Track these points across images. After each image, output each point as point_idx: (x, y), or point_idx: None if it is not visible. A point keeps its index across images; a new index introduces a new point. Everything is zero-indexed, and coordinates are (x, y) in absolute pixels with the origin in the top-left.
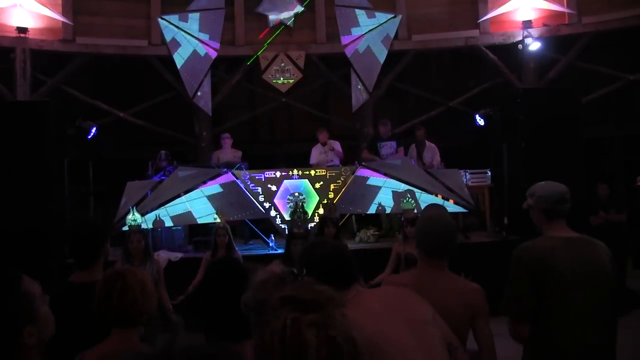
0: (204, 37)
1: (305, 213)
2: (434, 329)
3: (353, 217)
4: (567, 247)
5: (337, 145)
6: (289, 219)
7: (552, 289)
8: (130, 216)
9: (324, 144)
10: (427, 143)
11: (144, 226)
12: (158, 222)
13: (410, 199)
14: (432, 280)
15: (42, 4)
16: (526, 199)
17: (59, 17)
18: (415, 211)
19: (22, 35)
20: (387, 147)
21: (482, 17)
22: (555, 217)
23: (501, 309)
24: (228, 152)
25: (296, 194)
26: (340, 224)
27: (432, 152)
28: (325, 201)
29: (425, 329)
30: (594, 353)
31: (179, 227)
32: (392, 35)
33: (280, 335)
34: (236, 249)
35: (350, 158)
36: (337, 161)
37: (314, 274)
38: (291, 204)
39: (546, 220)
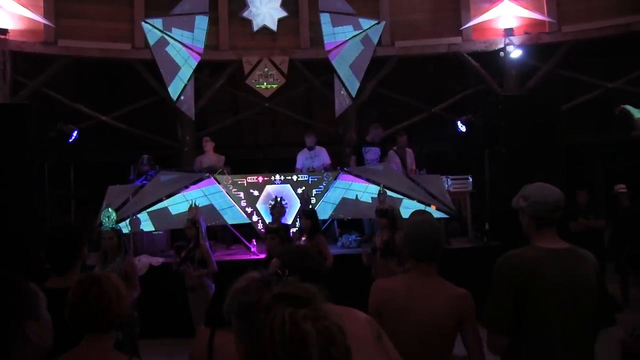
0: (188, 41)
1: (283, 207)
2: (380, 349)
3: (335, 222)
4: (554, 260)
5: (324, 156)
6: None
7: (533, 303)
8: (103, 213)
9: (310, 149)
10: (407, 149)
11: (124, 229)
12: (135, 221)
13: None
14: (421, 284)
15: (23, 6)
16: (518, 198)
17: (40, 19)
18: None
19: (2, 36)
20: (372, 153)
21: (464, 25)
22: (546, 226)
23: (482, 319)
24: (211, 156)
25: (278, 199)
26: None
27: (411, 158)
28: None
29: (370, 346)
30: None
31: (161, 232)
32: (376, 41)
33: (280, 330)
34: (204, 242)
35: (333, 163)
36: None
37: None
38: (272, 202)
39: (536, 227)
